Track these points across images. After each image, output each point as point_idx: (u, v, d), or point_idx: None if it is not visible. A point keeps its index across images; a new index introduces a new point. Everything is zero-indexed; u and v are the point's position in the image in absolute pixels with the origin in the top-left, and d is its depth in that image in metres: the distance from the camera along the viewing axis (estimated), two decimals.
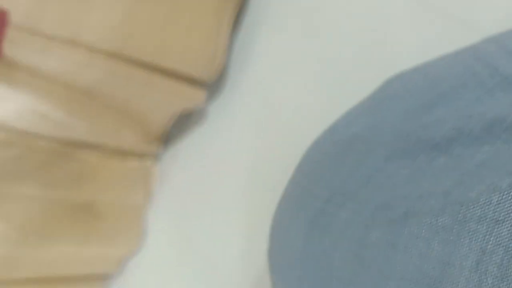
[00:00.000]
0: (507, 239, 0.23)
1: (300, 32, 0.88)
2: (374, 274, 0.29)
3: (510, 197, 0.23)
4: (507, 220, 0.23)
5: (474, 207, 0.24)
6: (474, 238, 0.24)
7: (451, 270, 0.24)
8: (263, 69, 0.91)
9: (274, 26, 0.93)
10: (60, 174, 0.73)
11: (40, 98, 0.73)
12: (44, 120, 0.73)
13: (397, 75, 0.38)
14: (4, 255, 0.68)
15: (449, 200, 0.26)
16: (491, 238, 0.23)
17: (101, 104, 0.77)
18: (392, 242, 0.28)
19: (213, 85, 0.91)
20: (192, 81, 0.95)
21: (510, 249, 0.23)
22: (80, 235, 0.77)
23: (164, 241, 0.85)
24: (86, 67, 0.72)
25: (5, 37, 0.67)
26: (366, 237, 0.30)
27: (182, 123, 0.86)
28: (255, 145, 0.84)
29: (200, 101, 0.91)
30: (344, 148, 0.37)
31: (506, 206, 0.23)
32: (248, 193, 0.82)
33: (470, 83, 0.33)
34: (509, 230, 0.23)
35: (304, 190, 0.38)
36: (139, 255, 0.90)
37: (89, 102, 0.76)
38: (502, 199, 0.23)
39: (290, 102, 0.82)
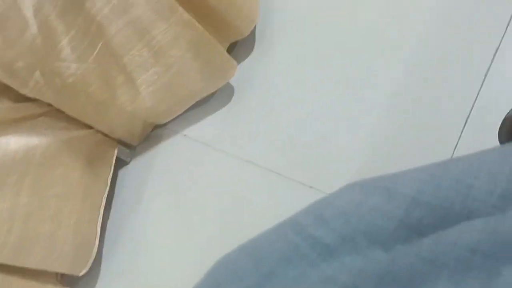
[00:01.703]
0: None
1: (174, 205, 0.98)
2: None
3: None
4: None
5: None
6: None
7: None
8: (136, 249, 0.96)
9: (143, 208, 0.99)
10: None
11: None
12: None
13: (224, 256, 0.39)
14: None
15: None
16: None
17: None
18: None
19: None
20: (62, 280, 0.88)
21: None
22: None
23: None
24: None
25: None
26: None
27: None
28: None
29: None
30: None
31: None
32: None
33: (293, 258, 0.34)
34: None
35: None
36: None
37: None
38: None
39: (162, 272, 0.91)
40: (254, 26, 0.99)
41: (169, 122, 1.03)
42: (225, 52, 0.94)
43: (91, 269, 0.90)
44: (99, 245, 0.91)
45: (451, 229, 0.32)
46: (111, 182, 0.97)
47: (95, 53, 0.81)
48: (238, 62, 1.02)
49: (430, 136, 0.86)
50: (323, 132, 0.93)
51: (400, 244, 0.33)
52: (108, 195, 0.97)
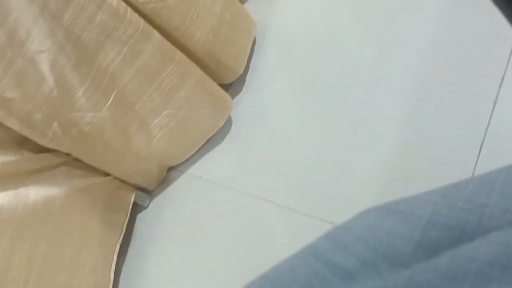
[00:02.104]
0: None
1: (191, 248, 0.97)
2: None
3: None
4: None
5: None
6: None
7: None
8: None
9: (160, 251, 0.99)
10: None
11: None
12: None
13: (247, 285, 0.39)
14: None
15: None
16: None
17: None
18: None
19: None
20: None
21: None
22: None
23: None
24: None
25: None
26: None
27: None
28: None
29: None
30: None
31: None
32: None
33: (315, 284, 0.35)
34: None
35: None
36: None
37: None
38: None
39: None
40: (237, 76, 1.01)
41: (182, 163, 1.05)
42: (220, 88, 0.96)
43: None
44: None
45: (468, 244, 0.32)
46: (127, 226, 0.98)
47: (109, 101, 0.84)
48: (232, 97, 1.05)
49: (445, 166, 0.85)
50: (330, 164, 0.93)
51: (419, 264, 0.33)
52: (124, 239, 0.97)
